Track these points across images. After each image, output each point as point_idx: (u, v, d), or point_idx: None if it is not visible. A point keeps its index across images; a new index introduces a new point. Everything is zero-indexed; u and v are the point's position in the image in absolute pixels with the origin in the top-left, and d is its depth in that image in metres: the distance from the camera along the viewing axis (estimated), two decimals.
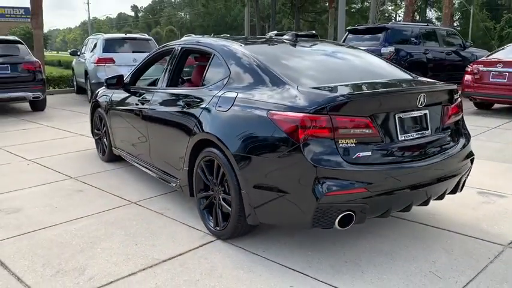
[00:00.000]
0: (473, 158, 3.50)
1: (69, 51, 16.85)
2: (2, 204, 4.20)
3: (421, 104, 3.01)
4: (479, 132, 7.41)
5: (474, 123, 8.04)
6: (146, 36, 12.92)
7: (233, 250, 3.22)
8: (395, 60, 10.18)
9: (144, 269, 2.94)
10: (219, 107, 3.29)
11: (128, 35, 12.95)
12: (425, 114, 3.13)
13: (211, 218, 3.46)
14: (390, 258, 3.06)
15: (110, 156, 5.51)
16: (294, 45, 3.85)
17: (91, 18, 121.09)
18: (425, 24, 13.28)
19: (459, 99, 3.46)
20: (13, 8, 62.11)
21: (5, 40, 10.00)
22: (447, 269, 2.92)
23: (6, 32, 33.94)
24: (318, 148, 2.69)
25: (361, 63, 3.82)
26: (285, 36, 4.03)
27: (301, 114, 2.72)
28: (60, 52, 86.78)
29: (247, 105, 3.09)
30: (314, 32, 4.49)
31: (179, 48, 4.22)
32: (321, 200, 2.65)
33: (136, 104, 4.50)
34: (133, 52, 11.56)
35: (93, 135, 6.05)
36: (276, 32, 8.16)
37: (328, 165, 2.68)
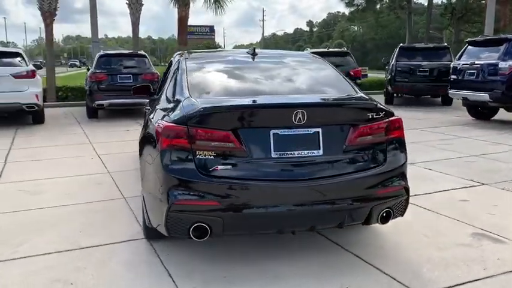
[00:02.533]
0: (403, 190, 3.08)
1: None
2: (37, 187, 5.21)
3: (300, 121, 2.80)
4: None
5: None
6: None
7: (142, 248, 3.48)
8: None
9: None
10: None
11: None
12: (316, 132, 2.90)
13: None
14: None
15: None
16: (252, 59, 3.88)
17: (271, 33, 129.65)
18: None
19: (382, 120, 3.04)
20: (200, 26, 70.74)
21: (133, 54, 11.81)
22: None
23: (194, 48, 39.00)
24: (176, 158, 2.79)
25: (295, 78, 3.68)
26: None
27: (165, 124, 2.85)
28: None
29: (156, 114, 3.33)
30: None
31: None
32: (170, 208, 2.74)
33: None
34: None
35: None
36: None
37: (181, 175, 2.76)
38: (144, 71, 11.30)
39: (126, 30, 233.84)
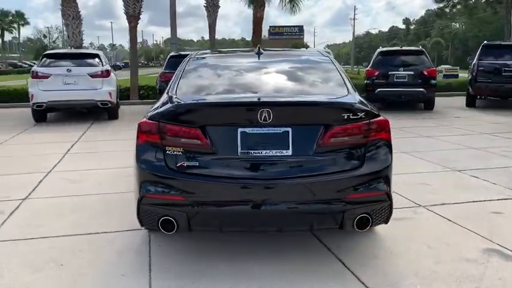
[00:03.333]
0: (384, 196, 2.91)
1: None
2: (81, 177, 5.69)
3: (265, 120, 2.77)
4: None
5: None
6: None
7: (140, 238, 3.67)
8: None
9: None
10: None
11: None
12: (285, 132, 2.84)
13: None
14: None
15: None
16: (258, 58, 3.88)
17: (364, 31, 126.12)
18: None
19: (361, 121, 2.88)
20: (289, 26, 71.01)
21: None
22: None
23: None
24: (148, 152, 2.92)
25: (285, 78, 3.61)
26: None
27: (142, 120, 3.00)
28: None
29: None
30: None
31: None
32: (141, 200, 2.88)
33: None
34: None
35: None
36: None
37: (151, 169, 2.88)
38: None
39: (220, 32, 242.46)
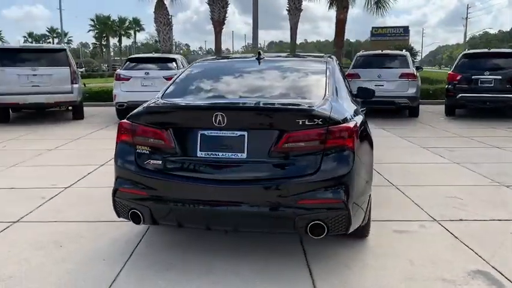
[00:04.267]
0: (340, 204, 2.83)
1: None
2: None
3: (220, 124, 2.87)
4: None
5: None
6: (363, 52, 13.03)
7: (138, 228, 3.97)
8: None
9: None
10: None
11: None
12: (241, 135, 2.91)
13: None
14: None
15: None
16: (258, 63, 3.98)
17: (482, 31, 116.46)
18: None
19: (319, 128, 2.84)
20: (393, 27, 68.33)
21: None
22: None
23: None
24: (123, 150, 3.19)
25: (268, 84, 3.66)
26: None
27: (123, 120, 3.28)
28: (442, 68, 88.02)
29: None
30: None
31: None
32: (115, 194, 3.16)
33: None
34: (382, 68, 11.89)
35: None
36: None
37: (123, 165, 3.15)
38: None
39: (326, 34, 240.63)
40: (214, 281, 3.01)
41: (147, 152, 3.09)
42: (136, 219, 3.13)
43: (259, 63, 3.95)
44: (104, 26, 69.64)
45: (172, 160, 3.03)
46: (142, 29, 76.05)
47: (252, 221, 2.96)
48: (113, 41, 76.55)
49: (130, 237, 3.78)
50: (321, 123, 2.85)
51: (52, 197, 4.95)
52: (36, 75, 10.97)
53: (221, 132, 2.94)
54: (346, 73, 12.20)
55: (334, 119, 2.89)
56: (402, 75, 11.69)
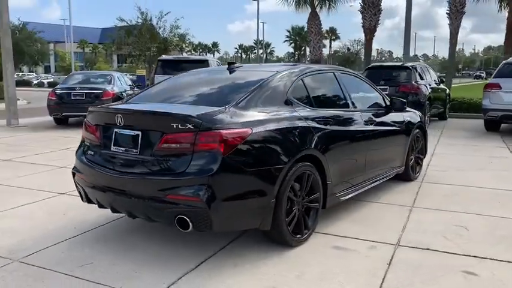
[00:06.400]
0: (200, 203, 3.05)
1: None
2: None
3: (120, 124, 3.37)
4: None
5: None
6: None
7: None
8: None
9: None
10: None
11: None
12: (137, 135, 3.35)
13: None
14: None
15: None
16: (230, 72, 4.31)
17: None
18: None
19: (189, 132, 3.12)
20: None
21: (397, 66, 11.80)
22: None
23: None
24: (80, 143, 3.98)
25: (193, 91, 4.09)
26: None
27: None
28: None
29: None
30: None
31: None
32: (74, 177, 3.96)
33: None
34: None
35: None
36: None
37: (76, 155, 3.93)
38: (401, 83, 11.22)
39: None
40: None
41: (88, 144, 3.82)
42: (81, 198, 3.87)
43: (230, 73, 4.28)
44: (298, 37, 73.97)
45: (98, 152, 3.68)
46: (338, 38, 77.93)
47: (138, 209, 3.38)
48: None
49: (122, 227, 4.52)
50: (192, 128, 3.11)
51: None
52: None
53: (125, 130, 3.47)
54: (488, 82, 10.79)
55: (206, 125, 3.11)
56: None
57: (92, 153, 3.75)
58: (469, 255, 3.54)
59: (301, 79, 4.10)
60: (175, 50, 36.03)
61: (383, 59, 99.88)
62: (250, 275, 3.22)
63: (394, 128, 5.29)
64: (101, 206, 3.69)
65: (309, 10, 17.82)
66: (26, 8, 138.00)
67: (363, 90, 5.18)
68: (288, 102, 3.81)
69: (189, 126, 3.12)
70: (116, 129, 3.55)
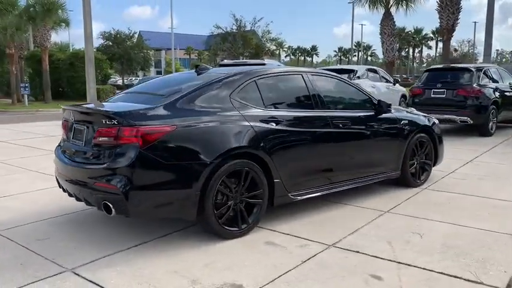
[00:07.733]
0: (117, 190, 3.42)
1: None
2: None
3: (72, 119, 3.87)
4: None
5: None
6: None
7: None
8: None
9: None
10: None
11: None
12: (84, 129, 3.83)
13: None
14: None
15: None
16: (198, 75, 4.59)
17: None
18: None
19: (113, 127, 3.50)
20: None
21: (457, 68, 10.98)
22: None
23: None
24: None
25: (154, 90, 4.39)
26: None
27: None
28: None
29: None
30: None
31: None
32: None
33: None
34: None
35: None
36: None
37: (55, 148, 4.54)
38: (459, 86, 10.50)
39: None
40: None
41: (61, 138, 4.40)
42: (59, 186, 4.46)
43: (197, 75, 4.57)
44: (398, 38, 70.86)
45: (65, 144, 4.23)
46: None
47: (81, 195, 3.84)
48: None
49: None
50: (116, 123, 3.50)
51: None
52: None
53: (77, 125, 3.98)
54: None
55: (127, 121, 3.48)
56: None
57: (62, 145, 4.33)
58: (394, 261, 3.43)
59: (255, 81, 4.24)
60: (267, 54, 36.92)
61: (503, 60, 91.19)
62: (165, 258, 3.51)
63: (377, 130, 5.14)
64: (69, 194, 4.24)
65: (383, 11, 17.25)
66: (145, 19, 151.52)
67: (342, 93, 5.12)
68: (230, 103, 4.00)
69: (114, 122, 3.52)
70: (75, 124, 4.07)
